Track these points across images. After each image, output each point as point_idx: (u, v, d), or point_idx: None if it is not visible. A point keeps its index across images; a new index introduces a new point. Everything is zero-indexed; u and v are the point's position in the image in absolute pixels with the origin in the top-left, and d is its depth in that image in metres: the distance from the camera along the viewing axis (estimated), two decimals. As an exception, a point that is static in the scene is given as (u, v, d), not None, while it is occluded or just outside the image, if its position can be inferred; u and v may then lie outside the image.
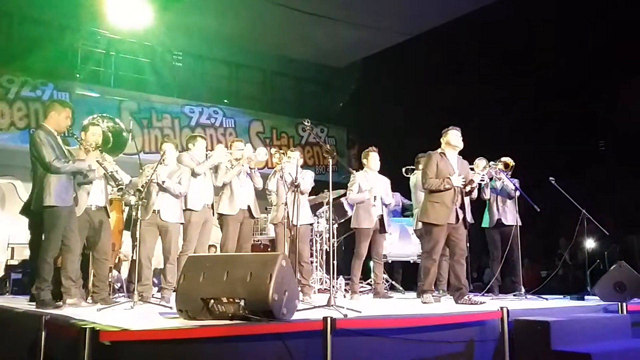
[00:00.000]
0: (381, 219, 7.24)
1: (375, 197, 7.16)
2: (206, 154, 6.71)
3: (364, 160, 7.42)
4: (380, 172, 7.43)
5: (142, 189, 5.77)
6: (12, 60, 10.65)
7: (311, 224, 7.65)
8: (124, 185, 5.96)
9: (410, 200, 8.23)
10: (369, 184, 7.22)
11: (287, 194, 6.64)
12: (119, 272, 8.25)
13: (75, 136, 5.87)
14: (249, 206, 6.77)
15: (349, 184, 7.38)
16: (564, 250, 8.64)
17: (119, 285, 7.66)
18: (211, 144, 10.86)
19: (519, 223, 7.37)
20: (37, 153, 5.35)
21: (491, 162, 7.36)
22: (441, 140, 6.20)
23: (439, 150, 6.16)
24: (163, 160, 6.17)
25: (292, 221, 6.51)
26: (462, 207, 6.08)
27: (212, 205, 6.65)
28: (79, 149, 5.81)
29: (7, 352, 4.61)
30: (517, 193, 7.35)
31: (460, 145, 6.15)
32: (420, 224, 7.35)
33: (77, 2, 10.27)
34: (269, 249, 9.01)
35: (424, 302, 5.92)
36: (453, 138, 6.12)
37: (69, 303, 5.42)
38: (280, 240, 6.88)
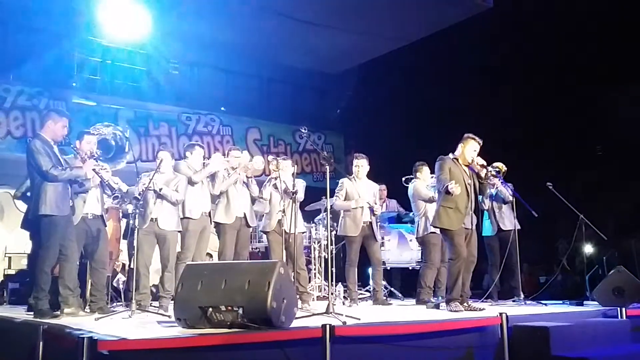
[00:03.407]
0: (370, 226, 7.22)
1: (362, 207, 7.13)
2: (203, 163, 6.71)
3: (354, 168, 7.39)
4: (374, 178, 7.41)
5: (139, 197, 5.75)
6: (8, 69, 10.62)
7: (304, 232, 7.64)
8: (121, 194, 5.95)
9: (406, 208, 8.23)
10: (357, 192, 7.21)
11: (284, 202, 6.62)
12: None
13: (71, 145, 5.86)
14: (245, 214, 6.77)
15: (336, 190, 7.36)
16: (562, 256, 8.62)
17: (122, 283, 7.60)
18: (208, 151, 10.83)
19: (518, 227, 7.36)
20: (34, 161, 5.34)
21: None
22: (459, 145, 6.05)
23: (452, 155, 6.04)
24: (159, 168, 6.16)
25: (284, 229, 6.49)
26: (476, 213, 6.01)
27: (210, 213, 6.65)
28: (75, 158, 5.80)
29: (5, 362, 4.59)
30: (512, 197, 7.34)
31: (471, 161, 6.02)
32: (422, 231, 7.37)
33: (72, 10, 10.25)
34: (267, 257, 8.98)
35: (453, 310, 5.63)
36: (470, 153, 6.00)
37: (67, 312, 5.40)
38: (272, 247, 6.86)
